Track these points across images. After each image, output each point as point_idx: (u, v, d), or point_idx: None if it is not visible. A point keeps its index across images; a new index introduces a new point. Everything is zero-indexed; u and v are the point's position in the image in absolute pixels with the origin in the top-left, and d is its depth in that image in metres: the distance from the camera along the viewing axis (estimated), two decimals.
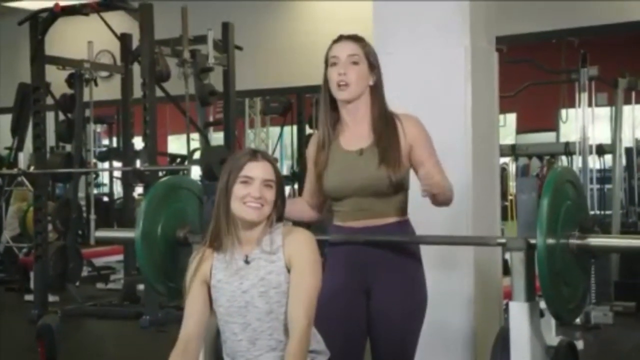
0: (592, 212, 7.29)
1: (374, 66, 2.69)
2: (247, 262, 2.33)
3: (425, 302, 2.71)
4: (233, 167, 2.33)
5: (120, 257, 7.90)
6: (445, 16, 3.60)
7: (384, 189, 2.62)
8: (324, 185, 2.69)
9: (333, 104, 2.71)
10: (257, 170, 2.32)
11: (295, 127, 9.80)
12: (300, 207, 2.82)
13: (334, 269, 2.64)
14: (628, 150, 8.25)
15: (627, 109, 7.80)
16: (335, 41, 2.70)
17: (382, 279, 2.65)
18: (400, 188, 2.65)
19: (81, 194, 8.55)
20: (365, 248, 2.66)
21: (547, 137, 12.09)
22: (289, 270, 2.31)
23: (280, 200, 2.36)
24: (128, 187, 7.61)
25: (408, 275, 2.69)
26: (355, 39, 2.69)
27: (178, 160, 9.14)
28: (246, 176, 2.31)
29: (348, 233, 2.69)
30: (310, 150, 2.77)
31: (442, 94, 3.59)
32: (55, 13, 6.34)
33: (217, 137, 8.27)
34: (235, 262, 2.33)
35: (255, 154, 2.35)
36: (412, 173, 2.71)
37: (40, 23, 6.45)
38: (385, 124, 2.67)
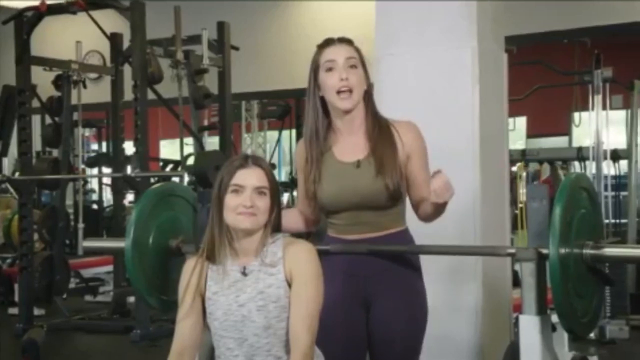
0: (606, 221, 7.28)
1: (366, 69, 2.67)
2: (244, 274, 2.32)
3: (426, 313, 2.71)
4: (224, 176, 2.32)
5: (110, 268, 7.89)
6: (451, 16, 3.61)
7: (383, 202, 2.61)
8: (319, 199, 2.66)
9: (324, 109, 2.67)
10: (247, 177, 2.31)
11: (293, 132, 9.81)
12: (294, 218, 2.79)
13: (330, 279, 2.63)
14: None
15: None
16: (325, 45, 2.65)
17: (382, 291, 2.65)
18: (398, 199, 2.63)
19: (69, 201, 8.53)
20: (363, 258, 2.65)
21: (559, 141, 12.11)
22: (289, 284, 2.31)
23: (276, 208, 2.35)
24: (118, 194, 7.61)
25: (408, 286, 2.68)
26: (348, 41, 2.66)
27: (171, 166, 9.14)
28: (236, 184, 2.30)
29: (346, 243, 2.68)
30: (299, 160, 2.74)
31: (448, 97, 3.60)
32: (42, 12, 6.35)
33: (212, 142, 8.28)
34: (232, 274, 2.33)
35: (246, 160, 2.33)
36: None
37: (25, 22, 6.46)
38: (379, 131, 2.65)
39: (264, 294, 2.30)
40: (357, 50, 2.66)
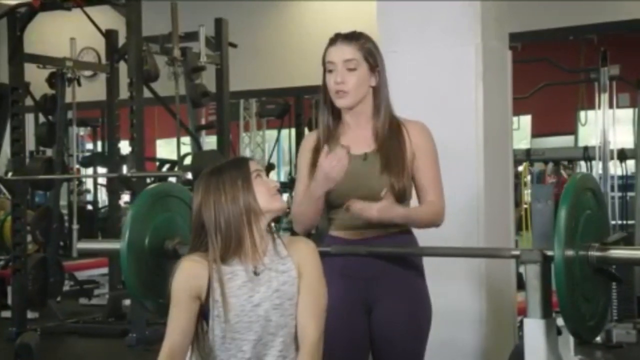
0: (612, 222, 7.28)
1: (374, 66, 2.68)
2: (256, 273, 2.33)
3: (430, 316, 2.72)
4: (243, 176, 2.32)
5: (105, 270, 7.89)
6: (454, 13, 3.62)
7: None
8: None
9: (333, 106, 2.71)
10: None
11: (293, 131, 9.81)
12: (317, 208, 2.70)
13: (330, 281, 2.63)
14: None
15: None
16: (331, 43, 2.68)
17: (384, 293, 2.66)
18: (403, 197, 2.65)
19: (63, 202, 8.55)
20: (365, 260, 2.66)
21: (564, 140, 12.11)
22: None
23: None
24: (113, 194, 7.60)
25: (411, 287, 2.69)
26: (352, 38, 2.66)
27: (167, 166, 9.14)
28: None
29: (347, 244, 2.68)
30: (305, 154, 2.75)
31: (451, 95, 3.60)
32: (35, 8, 6.35)
33: (209, 141, 8.28)
34: (241, 275, 2.33)
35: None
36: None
37: (18, 19, 6.46)
38: (389, 128, 2.68)
39: (279, 291, 2.32)
40: (361, 48, 2.66)
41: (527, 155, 8.14)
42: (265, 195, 2.32)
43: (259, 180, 2.33)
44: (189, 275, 2.35)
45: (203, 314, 2.36)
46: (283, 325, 2.32)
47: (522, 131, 12.26)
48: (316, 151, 2.70)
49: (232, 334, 2.32)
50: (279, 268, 2.34)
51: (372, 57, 2.67)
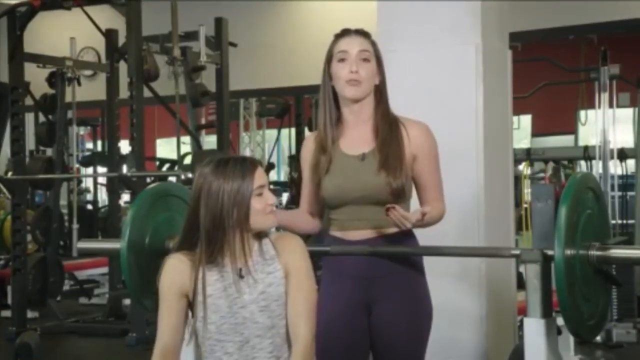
0: (613, 222, 7.28)
1: (380, 64, 2.70)
2: (241, 276, 2.33)
3: (431, 315, 2.72)
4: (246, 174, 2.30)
5: (105, 269, 7.90)
6: (455, 12, 3.62)
7: (384, 198, 2.60)
8: (322, 191, 2.68)
9: (336, 102, 2.71)
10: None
11: (293, 130, 9.81)
12: (303, 218, 2.80)
13: (333, 282, 2.63)
14: None
15: None
16: (341, 35, 2.69)
17: (384, 293, 2.65)
18: (401, 196, 2.64)
19: (63, 201, 8.55)
20: (366, 260, 2.65)
21: (564, 140, 12.12)
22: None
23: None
24: (113, 194, 7.60)
25: (412, 288, 2.69)
26: (365, 33, 2.70)
27: (167, 165, 9.14)
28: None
29: (348, 245, 2.68)
30: (306, 153, 2.75)
31: (451, 95, 3.60)
32: (35, 7, 6.35)
33: (209, 141, 8.28)
34: (226, 276, 2.33)
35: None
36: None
37: (18, 18, 6.46)
38: (388, 128, 2.67)
39: (265, 293, 2.31)
40: (373, 43, 2.70)
41: (527, 155, 8.14)
42: (259, 214, 2.31)
43: (257, 198, 2.31)
44: (174, 273, 2.35)
45: (193, 313, 2.36)
46: (270, 327, 2.30)
47: (522, 131, 12.28)
48: (316, 152, 2.70)
49: (217, 336, 2.32)
50: (264, 269, 2.33)
51: (379, 55, 2.70)
